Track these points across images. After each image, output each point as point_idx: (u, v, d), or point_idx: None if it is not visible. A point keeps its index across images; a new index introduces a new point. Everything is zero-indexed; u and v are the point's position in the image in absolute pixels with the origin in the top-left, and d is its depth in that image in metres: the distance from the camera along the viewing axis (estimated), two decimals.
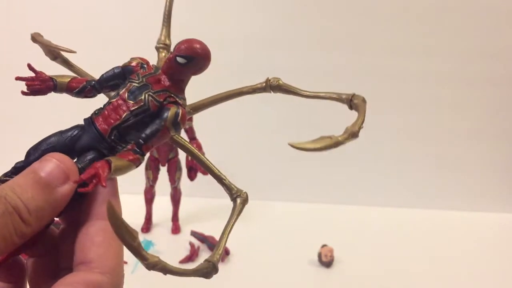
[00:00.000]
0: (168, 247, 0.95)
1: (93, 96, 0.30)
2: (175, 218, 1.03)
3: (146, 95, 0.28)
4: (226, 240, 0.32)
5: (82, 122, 0.29)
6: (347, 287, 0.86)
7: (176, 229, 1.02)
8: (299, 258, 0.92)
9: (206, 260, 0.30)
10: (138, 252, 0.24)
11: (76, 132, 0.28)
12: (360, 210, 1.15)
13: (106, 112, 0.28)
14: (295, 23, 1.12)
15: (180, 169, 1.02)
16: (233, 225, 0.32)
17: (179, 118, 0.28)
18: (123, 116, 0.28)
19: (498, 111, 1.14)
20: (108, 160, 0.26)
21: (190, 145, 0.33)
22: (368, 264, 0.91)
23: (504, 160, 1.17)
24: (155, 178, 1.01)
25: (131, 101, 0.28)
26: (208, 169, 0.33)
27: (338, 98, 0.34)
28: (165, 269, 0.26)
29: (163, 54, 0.35)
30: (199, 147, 0.98)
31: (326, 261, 0.89)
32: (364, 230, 1.05)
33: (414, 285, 0.86)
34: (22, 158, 0.28)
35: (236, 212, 0.33)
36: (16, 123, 1.11)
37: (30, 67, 0.29)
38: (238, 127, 1.18)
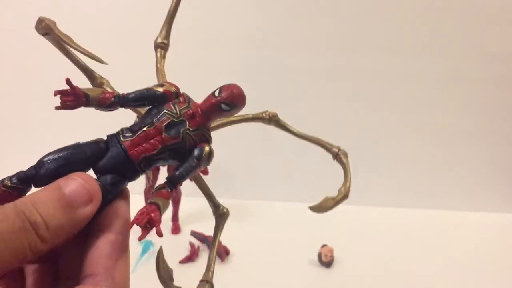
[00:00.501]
0: (168, 247, 0.94)
1: (115, 109, 0.30)
2: (175, 218, 1.03)
3: (184, 133, 0.29)
4: (215, 256, 0.36)
5: (96, 135, 0.29)
6: (347, 287, 0.85)
7: (176, 229, 1.02)
8: (299, 258, 0.92)
9: (202, 281, 0.33)
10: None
11: (100, 148, 0.28)
12: (360, 210, 1.14)
13: (137, 139, 0.28)
14: (295, 23, 1.12)
15: None
16: (217, 241, 0.36)
17: (211, 156, 0.30)
18: (158, 149, 0.28)
19: (498, 111, 1.14)
20: (157, 204, 0.27)
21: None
22: (368, 264, 0.91)
23: (504, 160, 1.17)
24: (155, 178, 1.01)
25: (167, 135, 0.28)
26: (201, 185, 0.37)
27: (326, 147, 0.40)
28: None
29: (161, 53, 0.36)
30: None
31: (326, 261, 0.89)
32: (364, 230, 1.05)
33: (414, 285, 0.86)
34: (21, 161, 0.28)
35: (221, 228, 0.36)
36: (17, 126, 1.12)
37: (68, 82, 0.28)
38: (238, 127, 1.18)
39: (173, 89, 0.30)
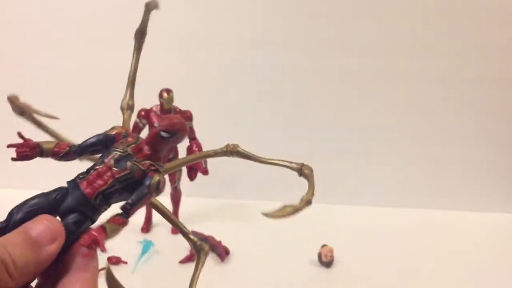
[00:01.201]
0: (168, 247, 0.95)
1: (73, 159, 0.33)
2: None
3: (132, 164, 0.31)
4: None
5: (61, 184, 0.31)
6: (347, 287, 0.86)
7: (176, 229, 1.02)
8: (299, 258, 0.92)
9: None
10: None
11: (60, 194, 0.30)
12: (360, 210, 1.15)
13: (91, 177, 0.31)
14: (295, 24, 1.12)
15: (180, 169, 1.02)
16: (198, 276, 0.37)
17: (161, 185, 0.32)
18: (109, 183, 0.30)
19: (499, 111, 1.14)
20: (104, 226, 0.29)
21: (162, 206, 0.38)
22: (368, 264, 0.91)
23: (505, 160, 1.17)
24: None
25: (116, 169, 0.31)
26: (176, 225, 0.39)
27: (289, 167, 0.41)
28: None
29: (127, 114, 0.38)
30: (199, 147, 0.97)
31: (326, 261, 0.89)
32: (364, 230, 1.05)
33: (414, 285, 0.86)
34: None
35: (201, 264, 0.38)
36: None
37: (20, 135, 0.32)
38: (238, 127, 1.18)
39: (123, 131, 0.33)
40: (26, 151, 0.31)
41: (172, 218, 0.38)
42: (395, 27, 1.11)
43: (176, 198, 1.03)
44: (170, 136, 0.32)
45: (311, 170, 0.41)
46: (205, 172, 0.98)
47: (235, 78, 1.12)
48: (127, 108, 0.39)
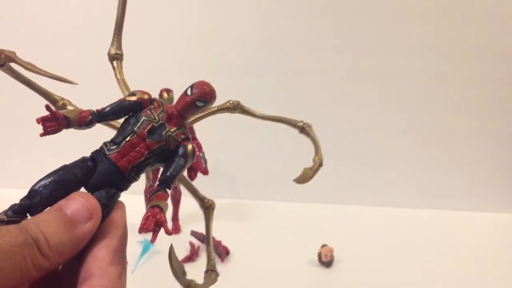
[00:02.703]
0: (168, 247, 0.95)
1: (93, 126, 0.32)
2: (175, 218, 1.03)
3: (167, 135, 0.30)
4: (212, 248, 0.39)
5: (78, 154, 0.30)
6: (347, 287, 0.86)
7: (176, 229, 1.02)
8: (299, 258, 0.92)
9: (207, 271, 0.37)
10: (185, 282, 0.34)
11: (88, 166, 0.29)
12: (360, 210, 1.15)
13: (123, 150, 0.29)
14: (295, 24, 1.12)
15: None
16: (211, 232, 0.39)
17: (194, 153, 0.31)
18: (146, 155, 0.29)
19: (499, 111, 1.14)
20: (159, 206, 0.28)
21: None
22: (368, 264, 0.91)
23: (505, 160, 1.17)
24: (155, 178, 1.01)
25: (151, 140, 0.30)
26: (184, 182, 0.39)
27: (290, 123, 0.43)
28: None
29: (117, 64, 0.37)
30: (199, 147, 0.98)
31: (326, 261, 0.89)
32: (364, 230, 1.05)
33: (414, 285, 0.86)
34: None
35: (211, 220, 0.40)
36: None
37: (48, 108, 0.29)
38: (238, 127, 1.18)
39: (146, 96, 0.32)
40: (55, 125, 0.29)
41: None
42: (395, 27, 1.11)
43: (176, 198, 1.03)
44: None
45: (310, 126, 0.42)
46: (205, 172, 0.98)
47: (235, 78, 1.12)
48: (116, 58, 0.37)
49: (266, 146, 1.17)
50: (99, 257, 0.26)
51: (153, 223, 0.27)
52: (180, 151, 0.30)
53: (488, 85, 1.12)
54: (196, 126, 0.98)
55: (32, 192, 0.27)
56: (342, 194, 1.18)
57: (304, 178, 0.41)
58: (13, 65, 0.36)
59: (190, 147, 0.31)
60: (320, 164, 0.41)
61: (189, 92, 0.32)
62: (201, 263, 0.90)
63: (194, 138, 0.98)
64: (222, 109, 0.40)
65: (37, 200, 0.27)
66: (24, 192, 0.28)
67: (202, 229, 0.96)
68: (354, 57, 1.12)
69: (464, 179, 1.18)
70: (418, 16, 1.10)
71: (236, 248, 0.93)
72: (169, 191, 0.30)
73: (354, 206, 1.15)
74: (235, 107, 0.40)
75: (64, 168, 0.28)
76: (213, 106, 0.35)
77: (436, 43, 1.11)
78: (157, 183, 0.30)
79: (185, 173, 0.34)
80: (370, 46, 1.12)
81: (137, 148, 0.29)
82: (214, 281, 0.36)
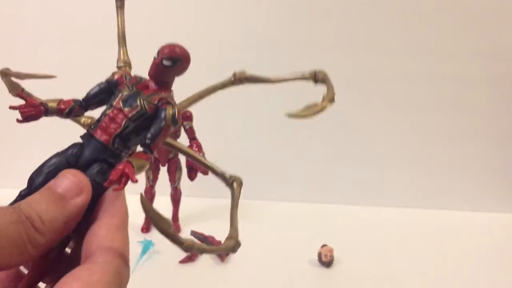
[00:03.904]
0: (168, 247, 0.94)
1: (81, 114, 0.32)
2: (175, 218, 1.03)
3: (141, 100, 0.30)
4: (237, 219, 0.37)
5: (75, 141, 0.30)
6: (347, 287, 0.86)
7: (176, 229, 1.02)
8: (299, 258, 0.92)
9: (228, 238, 0.35)
10: (175, 237, 0.29)
11: (76, 149, 0.30)
12: (360, 210, 1.15)
13: (104, 124, 0.30)
14: (295, 24, 1.12)
15: (180, 169, 1.02)
16: (237, 207, 0.37)
17: (177, 115, 0.30)
18: (123, 124, 0.29)
19: (499, 111, 1.14)
20: (129, 160, 0.28)
21: (179, 144, 0.36)
22: (368, 264, 0.91)
23: (504, 160, 1.17)
24: (155, 178, 1.01)
25: (127, 108, 0.30)
26: (201, 163, 0.37)
27: (303, 77, 0.39)
28: (200, 249, 0.31)
29: (128, 70, 0.37)
30: (199, 147, 0.97)
31: (326, 261, 0.89)
32: (364, 230, 1.05)
33: (414, 285, 0.86)
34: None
35: (237, 196, 0.38)
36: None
37: (20, 95, 0.30)
38: (238, 127, 1.18)
39: (121, 72, 0.33)
40: (31, 110, 0.30)
41: (195, 157, 0.36)
42: (395, 28, 1.11)
43: (176, 198, 1.03)
44: (173, 64, 0.31)
45: (325, 73, 0.39)
46: (205, 172, 0.98)
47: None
48: (124, 65, 0.37)
49: (266, 146, 1.17)
50: (100, 235, 0.26)
51: (119, 174, 0.27)
52: (160, 114, 0.30)
53: (488, 85, 1.12)
54: (196, 126, 0.98)
55: (29, 182, 0.29)
56: (342, 194, 1.18)
57: (304, 114, 0.36)
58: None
59: (169, 109, 0.30)
60: (331, 100, 0.37)
61: (156, 55, 0.31)
62: (201, 263, 0.90)
63: (194, 138, 0.98)
64: (225, 84, 0.36)
65: (33, 188, 0.28)
66: None
67: (202, 229, 0.96)
68: (354, 57, 1.12)
69: (464, 179, 1.18)
70: (418, 17, 1.10)
71: None
72: (150, 154, 0.30)
73: (354, 206, 1.15)
74: (241, 80, 0.36)
75: (57, 154, 0.29)
76: (217, 83, 0.34)
77: (436, 44, 1.11)
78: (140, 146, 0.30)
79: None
80: (371, 46, 1.12)
81: (116, 119, 0.29)
82: (231, 249, 0.35)
